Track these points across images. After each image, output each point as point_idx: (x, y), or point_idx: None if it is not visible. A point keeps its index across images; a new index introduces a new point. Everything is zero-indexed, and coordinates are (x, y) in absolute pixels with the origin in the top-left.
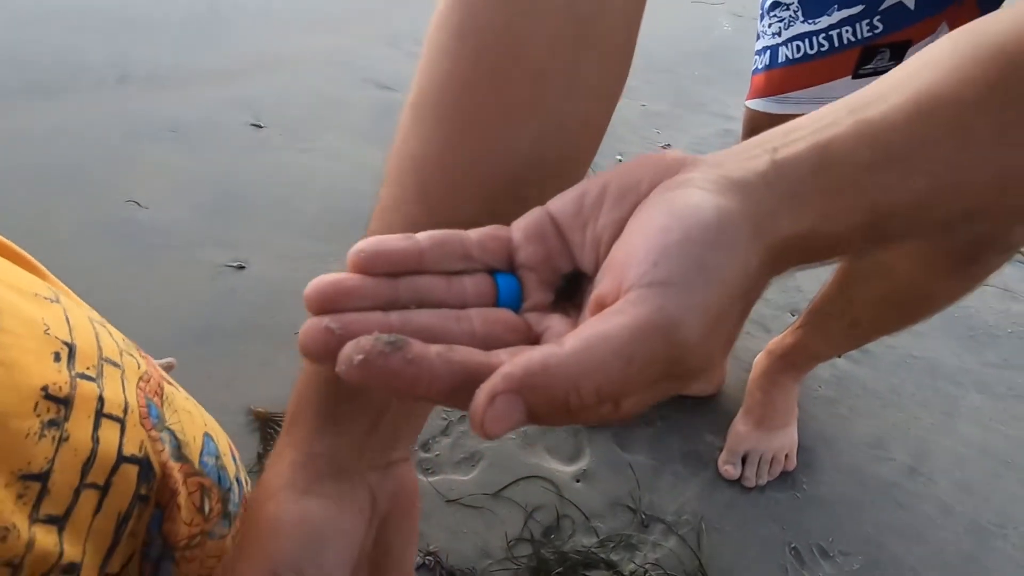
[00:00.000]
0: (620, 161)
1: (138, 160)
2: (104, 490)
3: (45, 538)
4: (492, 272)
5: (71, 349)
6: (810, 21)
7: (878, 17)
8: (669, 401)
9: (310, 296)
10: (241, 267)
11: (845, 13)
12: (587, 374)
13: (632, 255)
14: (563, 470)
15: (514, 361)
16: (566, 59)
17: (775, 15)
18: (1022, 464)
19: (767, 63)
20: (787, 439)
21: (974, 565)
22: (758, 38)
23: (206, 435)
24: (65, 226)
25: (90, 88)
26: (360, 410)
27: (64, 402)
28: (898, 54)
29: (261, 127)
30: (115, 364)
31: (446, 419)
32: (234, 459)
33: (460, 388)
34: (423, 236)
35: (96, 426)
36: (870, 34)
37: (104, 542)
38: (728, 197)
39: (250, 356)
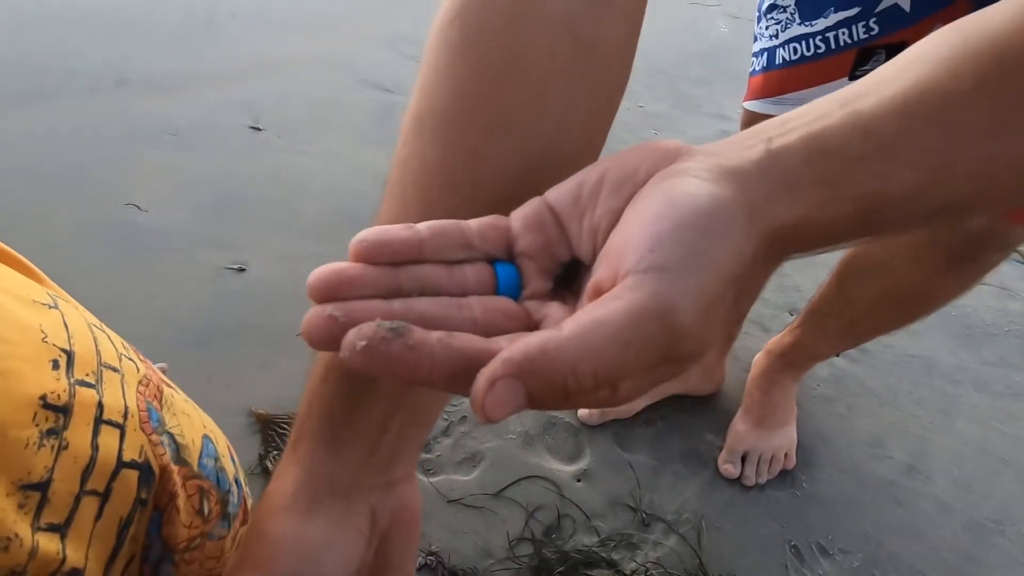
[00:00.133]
0: None
1: (137, 162)
2: (105, 496)
3: (48, 546)
4: (492, 261)
5: (69, 356)
6: (807, 23)
7: (874, 19)
8: (669, 401)
9: (313, 285)
10: (241, 269)
11: (842, 15)
12: (585, 358)
13: (628, 242)
14: (564, 470)
15: (513, 346)
16: (566, 73)
17: (772, 17)
18: (1020, 462)
19: (764, 65)
20: (786, 438)
21: (972, 562)
22: (755, 40)
23: (205, 437)
24: (65, 229)
25: (88, 91)
26: (362, 430)
27: (63, 410)
28: (894, 56)
29: (260, 129)
30: (114, 369)
31: (447, 420)
32: (233, 460)
33: (460, 374)
34: (423, 226)
35: (95, 433)
36: (866, 36)
37: (106, 547)
38: (723, 185)
39: (250, 358)
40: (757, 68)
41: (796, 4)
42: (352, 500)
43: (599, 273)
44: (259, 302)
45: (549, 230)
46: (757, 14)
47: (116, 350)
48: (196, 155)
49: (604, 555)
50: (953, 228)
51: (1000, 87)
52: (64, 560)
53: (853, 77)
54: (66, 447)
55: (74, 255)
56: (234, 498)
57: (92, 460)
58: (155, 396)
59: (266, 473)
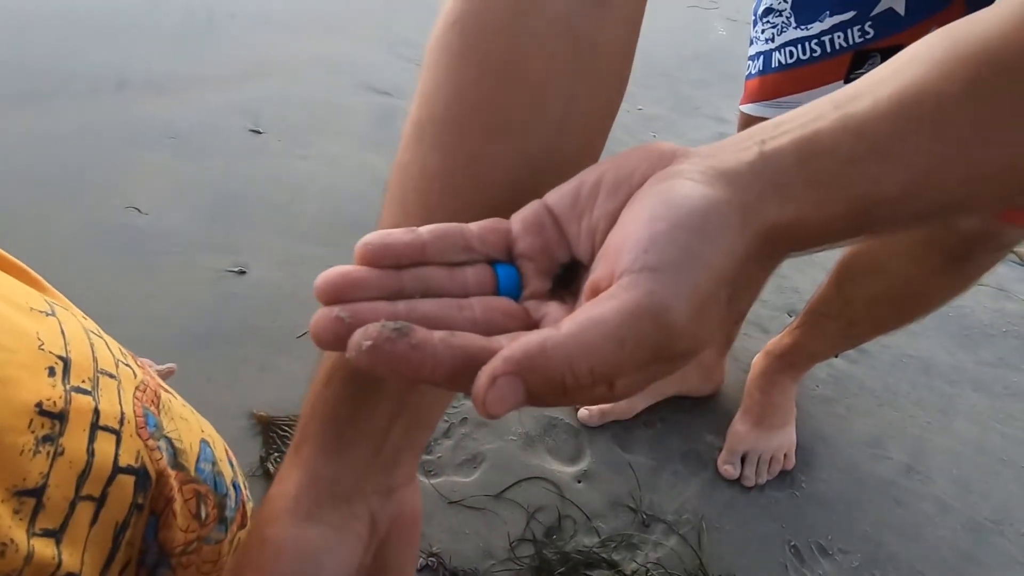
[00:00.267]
0: None
1: (137, 165)
2: (100, 501)
3: (43, 551)
4: (492, 262)
5: (66, 363)
6: (803, 27)
7: (869, 23)
8: (668, 402)
9: (320, 287)
10: (242, 272)
11: (837, 19)
12: (582, 355)
13: (624, 243)
14: (564, 471)
15: (513, 345)
16: (565, 76)
17: (768, 21)
18: (1019, 462)
19: (761, 68)
20: (786, 438)
21: (972, 562)
22: (751, 43)
23: (203, 441)
24: (65, 231)
25: (89, 93)
26: (365, 433)
27: (59, 417)
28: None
29: (260, 132)
30: (111, 375)
31: (448, 421)
32: (231, 464)
33: (462, 371)
34: (426, 229)
35: (91, 439)
36: (862, 40)
37: (102, 552)
38: (716, 187)
39: (251, 360)
40: (753, 71)
41: (792, 8)
42: (353, 505)
43: (596, 273)
44: (260, 305)
45: (548, 232)
46: (753, 17)
47: (113, 356)
48: (196, 158)
49: (605, 556)
50: (949, 229)
51: (992, 90)
52: (60, 565)
53: (848, 80)
54: (62, 453)
55: (74, 258)
56: (231, 502)
57: (88, 466)
58: (152, 401)
59: (267, 475)
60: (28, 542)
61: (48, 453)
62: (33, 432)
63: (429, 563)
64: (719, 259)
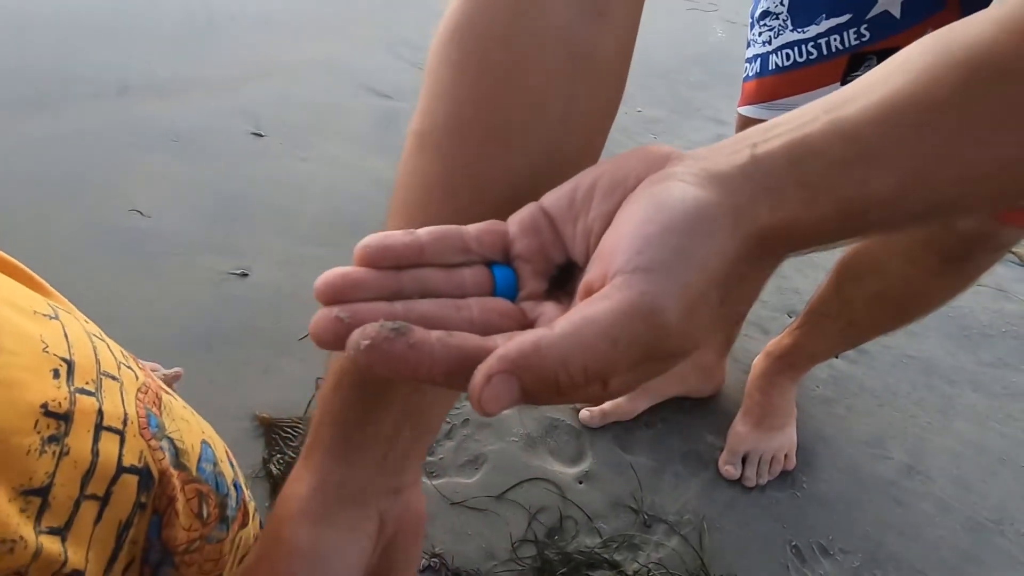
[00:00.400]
0: None
1: (139, 168)
2: (104, 500)
3: (50, 547)
4: (489, 264)
5: (70, 365)
6: (799, 30)
7: (865, 26)
8: (669, 403)
9: (320, 288)
10: (244, 274)
11: (833, 22)
12: (575, 354)
13: (618, 244)
14: (566, 472)
15: (508, 344)
16: (563, 87)
17: (765, 24)
18: (1018, 461)
19: (758, 70)
20: (786, 439)
21: (972, 561)
22: (749, 46)
23: (203, 442)
24: (67, 234)
25: (90, 97)
26: (373, 438)
27: (64, 418)
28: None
29: (262, 135)
30: (113, 377)
31: (449, 423)
32: (231, 464)
33: (458, 370)
34: (424, 231)
35: (96, 439)
36: (858, 42)
37: (106, 550)
38: (708, 189)
39: (254, 362)
40: (751, 74)
41: (788, 11)
42: (362, 506)
43: (590, 274)
44: (262, 307)
45: (544, 234)
46: (750, 20)
47: (115, 359)
48: (198, 160)
49: (606, 556)
50: (946, 229)
51: (980, 94)
52: (65, 562)
53: (845, 83)
54: (67, 453)
55: (76, 260)
56: (232, 502)
57: (92, 465)
58: (154, 403)
59: (269, 476)
60: (36, 539)
61: (54, 453)
62: (39, 433)
63: (432, 564)
64: (710, 260)
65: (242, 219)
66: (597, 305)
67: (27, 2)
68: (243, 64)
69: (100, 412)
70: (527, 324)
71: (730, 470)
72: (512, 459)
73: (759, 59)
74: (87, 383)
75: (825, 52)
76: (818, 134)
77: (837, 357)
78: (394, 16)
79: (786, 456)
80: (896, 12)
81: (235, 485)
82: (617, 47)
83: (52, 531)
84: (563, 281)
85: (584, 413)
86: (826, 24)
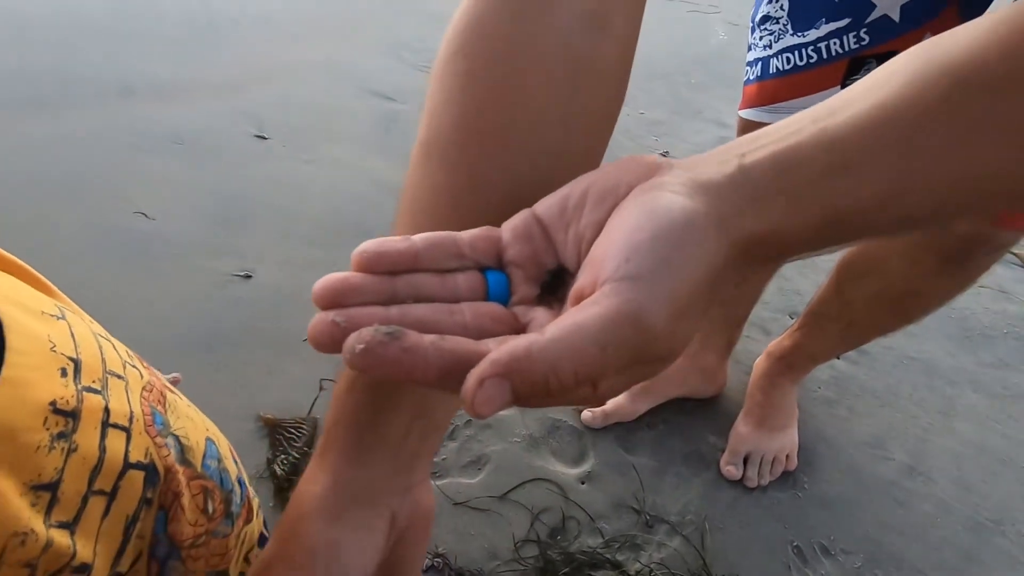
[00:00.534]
0: None
1: (142, 171)
2: (112, 495)
3: (60, 540)
4: (483, 269)
5: (76, 364)
6: (799, 34)
7: (864, 30)
8: (671, 403)
9: (318, 293)
10: (247, 276)
11: (833, 26)
12: (565, 359)
13: (607, 252)
14: (568, 472)
15: (500, 348)
16: (564, 98)
17: (765, 28)
18: (1019, 462)
19: (759, 74)
20: (788, 439)
21: (973, 562)
22: (749, 50)
23: (208, 439)
24: (71, 237)
25: (93, 100)
26: (386, 439)
27: (72, 415)
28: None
29: (265, 138)
30: (119, 376)
31: (452, 424)
32: (235, 462)
33: (451, 373)
34: (419, 238)
35: (103, 436)
36: (857, 46)
37: (113, 544)
38: (696, 199)
39: (257, 363)
40: (751, 77)
41: (788, 15)
42: (375, 505)
43: (581, 280)
44: (265, 308)
45: (537, 240)
46: (751, 25)
47: (120, 358)
48: (201, 163)
49: (609, 556)
50: (942, 232)
51: (960, 107)
52: (74, 555)
53: (845, 86)
54: (75, 449)
55: (81, 263)
56: (236, 497)
57: (100, 461)
58: (159, 401)
59: (274, 476)
60: (46, 532)
61: (62, 449)
62: (48, 429)
63: (435, 564)
64: (696, 268)
65: (245, 221)
66: (587, 311)
67: (30, 4)
68: (245, 66)
69: (106, 410)
70: (519, 328)
71: (732, 470)
72: (514, 460)
73: (760, 63)
74: (93, 382)
75: (825, 56)
76: (804, 144)
77: (839, 358)
78: (395, 18)
79: (787, 457)
80: (895, 16)
81: (239, 481)
82: (617, 57)
83: (61, 525)
84: (554, 286)
85: (586, 414)
86: (826, 28)
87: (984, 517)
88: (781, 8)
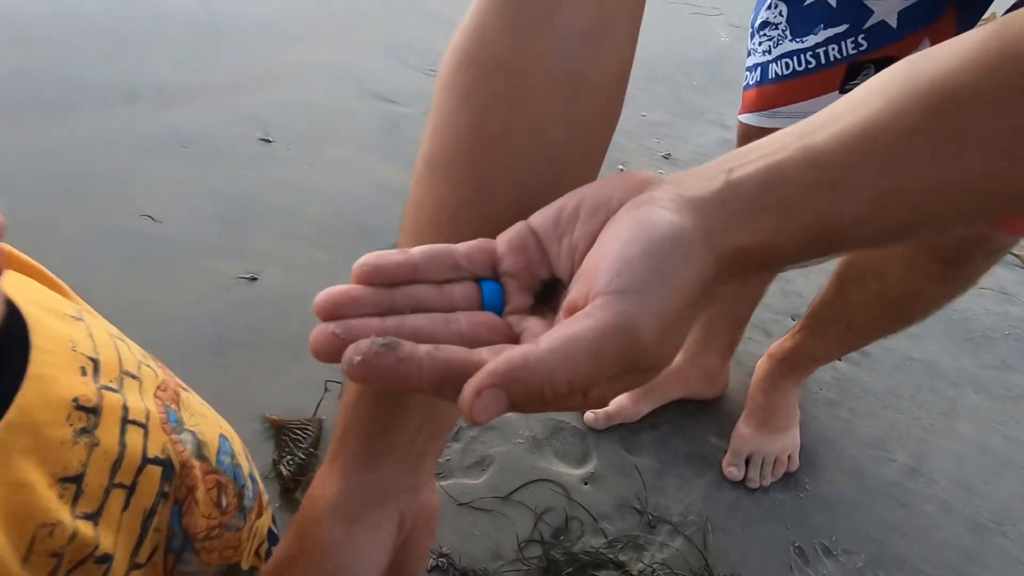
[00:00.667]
0: (622, 171)
1: (148, 174)
2: (131, 489)
3: (85, 531)
4: (478, 280)
5: (96, 364)
6: (798, 40)
7: (862, 35)
8: (673, 405)
9: (319, 305)
10: (253, 278)
11: (831, 32)
12: (560, 369)
13: (600, 265)
14: (571, 473)
15: (498, 359)
16: (562, 112)
17: (765, 34)
18: (1020, 463)
19: (758, 79)
20: (789, 441)
21: (975, 562)
22: (749, 55)
23: (221, 436)
24: (77, 240)
25: (98, 104)
26: (395, 443)
27: (93, 411)
28: (883, 70)
29: (270, 141)
30: (133, 376)
31: (457, 425)
32: (247, 459)
33: (446, 382)
34: (417, 251)
35: (122, 432)
36: (855, 51)
37: (132, 536)
38: (684, 215)
39: (263, 365)
40: (751, 82)
41: (787, 21)
42: (386, 506)
43: (573, 292)
44: (271, 310)
45: (531, 251)
46: (751, 30)
47: (135, 358)
48: (207, 166)
49: (611, 556)
50: (938, 235)
51: (941, 123)
52: (97, 545)
53: (843, 91)
54: (97, 444)
55: (87, 265)
56: (249, 492)
57: (120, 456)
58: (173, 399)
59: (280, 477)
60: (72, 523)
61: (86, 444)
62: (71, 425)
63: (439, 563)
64: (684, 282)
65: (250, 224)
66: (580, 323)
67: (33, 7)
68: (250, 70)
69: (124, 407)
70: (513, 337)
71: (734, 471)
72: (518, 461)
73: (759, 68)
74: (111, 381)
75: (823, 61)
76: (790, 160)
77: (840, 360)
78: (397, 21)
79: (789, 458)
80: (892, 22)
81: (251, 477)
82: (615, 69)
83: (86, 516)
84: (548, 296)
85: (589, 415)
86: (824, 34)
87: (986, 518)
88: (780, 14)
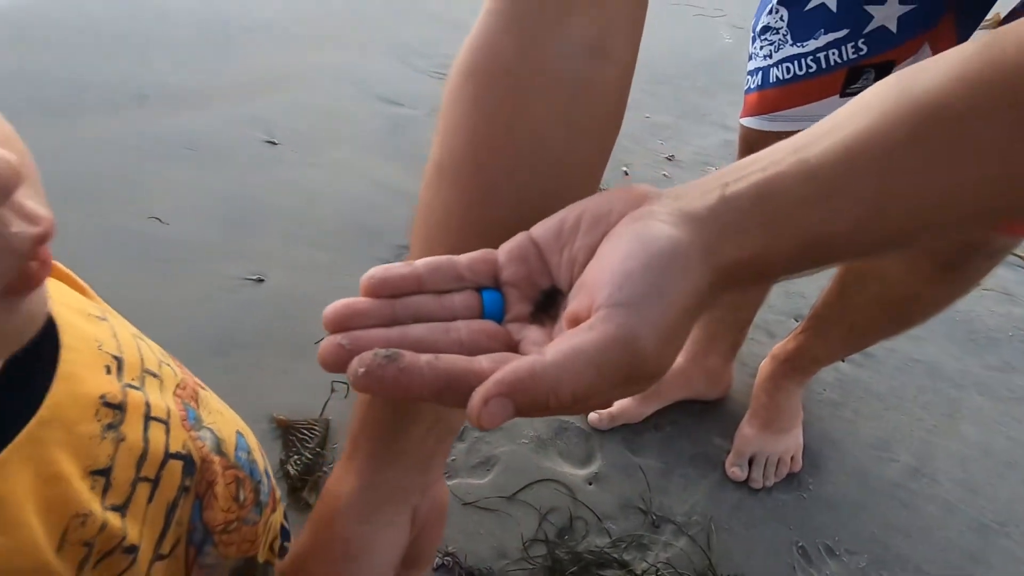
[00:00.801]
0: (626, 173)
1: (156, 177)
2: (155, 483)
3: (113, 522)
4: (480, 289)
5: (120, 362)
6: (799, 44)
7: (863, 40)
8: (677, 406)
9: (327, 318)
10: (260, 280)
11: (831, 37)
12: (565, 380)
13: (601, 278)
14: (576, 473)
15: (505, 368)
16: (565, 121)
17: (766, 38)
18: None
19: (759, 83)
20: (793, 441)
21: (978, 563)
22: (750, 59)
23: (238, 433)
24: (85, 242)
25: (107, 107)
26: (406, 446)
27: (119, 408)
28: (883, 74)
29: (276, 143)
30: (154, 375)
31: (463, 426)
32: (262, 455)
33: (446, 390)
34: (421, 263)
35: (146, 428)
36: (855, 56)
37: (157, 528)
38: (682, 229)
39: (270, 365)
40: (752, 86)
41: (788, 26)
42: (399, 503)
43: (576, 303)
44: (278, 311)
45: (532, 262)
46: (752, 35)
47: (156, 357)
48: (214, 168)
49: (616, 556)
50: (931, 245)
51: (931, 138)
52: (124, 536)
53: (844, 94)
54: (123, 439)
55: (94, 267)
56: (264, 488)
57: (144, 451)
58: (192, 397)
59: (287, 477)
60: (102, 514)
61: (112, 439)
62: (99, 421)
63: (445, 562)
64: (682, 294)
65: (257, 225)
66: (583, 336)
67: (46, 13)
68: (256, 74)
69: (147, 404)
70: (512, 344)
71: (737, 472)
72: (523, 461)
73: (760, 72)
74: (133, 379)
75: (824, 65)
76: (783, 175)
77: (843, 361)
78: (401, 25)
79: (792, 458)
80: (892, 27)
81: (266, 473)
82: (616, 80)
83: (114, 508)
84: (546, 305)
85: (593, 416)
86: (824, 39)
87: (989, 519)
88: (781, 19)
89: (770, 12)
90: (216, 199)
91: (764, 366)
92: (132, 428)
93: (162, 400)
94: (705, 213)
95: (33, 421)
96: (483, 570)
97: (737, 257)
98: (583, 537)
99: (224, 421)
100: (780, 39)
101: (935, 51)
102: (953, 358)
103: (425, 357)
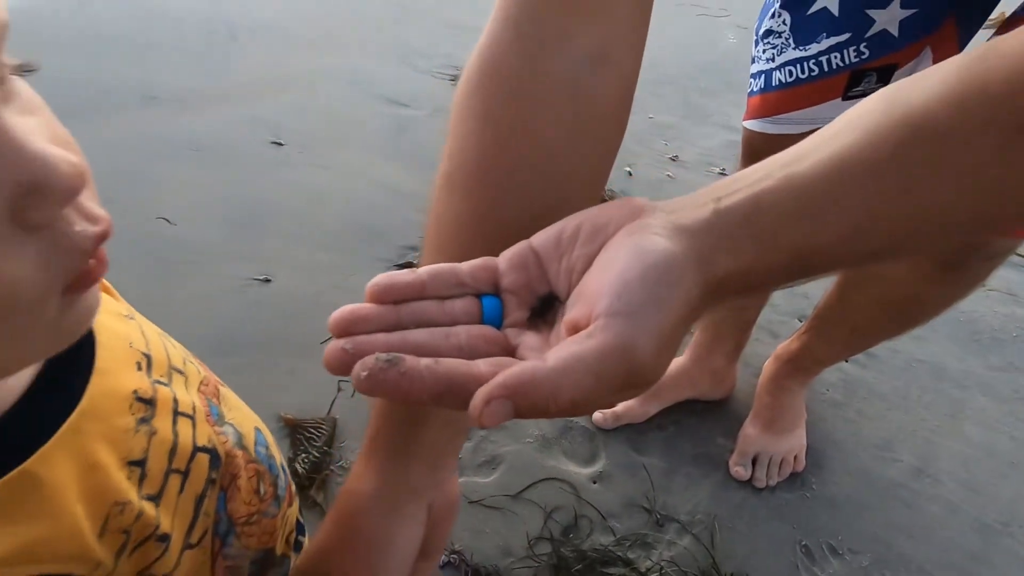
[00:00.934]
0: (629, 174)
1: (164, 178)
2: (185, 475)
3: (149, 511)
4: (480, 295)
5: (148, 360)
6: (801, 48)
7: (864, 44)
8: (681, 405)
9: (333, 323)
10: (267, 280)
11: (833, 40)
12: (565, 386)
13: (600, 288)
14: (580, 472)
15: (508, 372)
16: (570, 131)
17: (768, 42)
18: None
19: (762, 86)
20: (796, 441)
21: (981, 563)
22: (753, 62)
23: (256, 429)
24: None
25: (115, 108)
26: (422, 445)
27: (150, 403)
28: (885, 77)
29: (282, 145)
30: (180, 372)
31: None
32: (278, 451)
33: (445, 393)
34: (424, 270)
35: (175, 422)
36: (857, 59)
37: (187, 518)
38: (676, 241)
39: (277, 365)
40: (755, 89)
41: (791, 30)
42: (416, 500)
43: (575, 312)
44: (284, 312)
45: (531, 269)
46: (755, 38)
47: (180, 355)
48: (220, 170)
49: (620, 554)
50: (915, 257)
51: (915, 154)
52: (158, 525)
53: (846, 97)
54: (155, 433)
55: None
56: (281, 482)
57: (174, 444)
58: (214, 394)
59: (295, 475)
60: (139, 503)
61: (145, 432)
62: (133, 414)
63: (451, 560)
64: (677, 305)
65: (263, 226)
66: (583, 344)
67: (53, 15)
68: (262, 76)
69: (175, 400)
70: (510, 349)
71: (740, 471)
72: (528, 460)
73: (763, 75)
74: (161, 376)
75: (826, 69)
76: (773, 190)
77: (847, 361)
78: (406, 27)
79: (796, 458)
80: (894, 31)
81: (282, 468)
82: (619, 91)
83: (149, 498)
84: (543, 311)
85: (597, 415)
86: (827, 42)
87: (992, 519)
88: (783, 23)
89: (773, 16)
90: (222, 200)
91: (767, 366)
92: (162, 422)
93: (188, 396)
94: (698, 227)
95: (75, 413)
96: (489, 568)
97: (728, 269)
98: (588, 535)
99: (243, 417)
100: (783, 43)
101: (937, 54)
102: (956, 359)
103: (425, 361)
